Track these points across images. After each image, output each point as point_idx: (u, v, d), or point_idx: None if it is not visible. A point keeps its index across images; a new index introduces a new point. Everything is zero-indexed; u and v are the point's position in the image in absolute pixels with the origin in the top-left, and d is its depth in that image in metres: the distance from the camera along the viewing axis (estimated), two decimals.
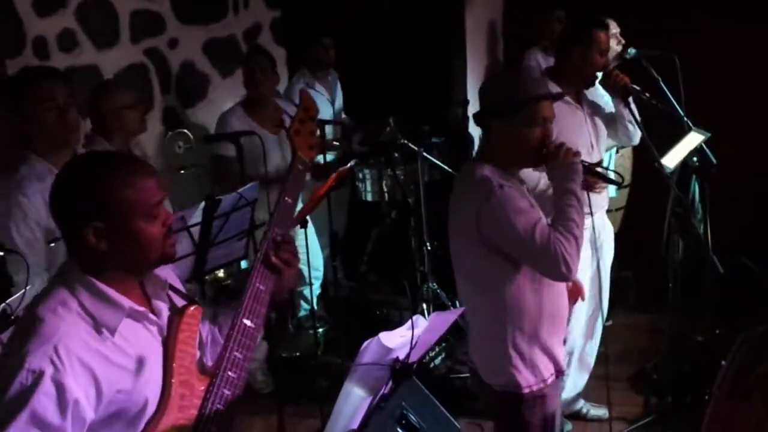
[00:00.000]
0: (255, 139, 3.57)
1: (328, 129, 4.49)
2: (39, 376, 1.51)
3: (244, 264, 3.54)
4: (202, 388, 1.71)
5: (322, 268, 4.66)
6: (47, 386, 1.52)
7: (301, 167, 2.01)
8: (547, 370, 2.55)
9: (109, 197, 1.62)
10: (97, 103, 3.27)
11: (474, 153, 5.11)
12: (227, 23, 4.86)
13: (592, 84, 3.48)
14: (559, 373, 2.61)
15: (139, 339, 1.68)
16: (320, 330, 4.50)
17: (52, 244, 2.57)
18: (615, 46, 4.01)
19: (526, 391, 2.50)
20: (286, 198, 1.93)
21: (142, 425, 1.65)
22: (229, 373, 1.72)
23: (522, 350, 2.48)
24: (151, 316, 1.72)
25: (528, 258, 2.39)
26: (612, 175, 2.99)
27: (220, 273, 3.73)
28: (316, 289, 4.64)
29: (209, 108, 4.64)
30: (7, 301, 2.28)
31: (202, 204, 2.81)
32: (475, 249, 2.41)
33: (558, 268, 2.31)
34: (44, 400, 1.51)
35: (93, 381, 1.57)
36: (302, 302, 4.67)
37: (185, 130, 4.04)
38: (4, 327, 2.18)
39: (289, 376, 4.25)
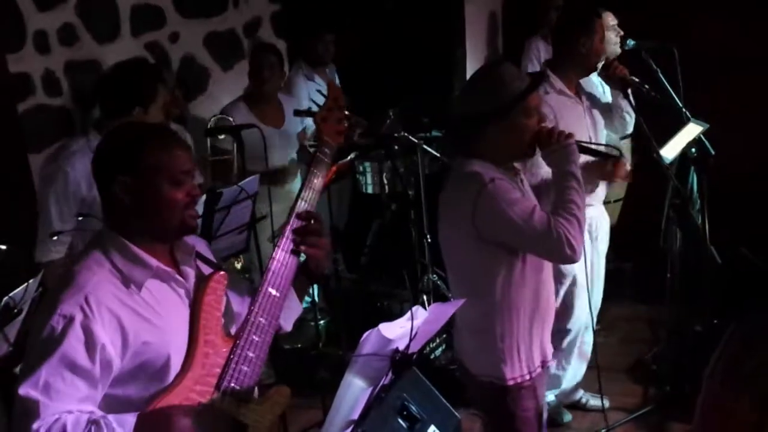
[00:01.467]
0: (255, 132, 3.60)
1: None
2: (69, 321, 1.63)
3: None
4: (225, 349, 1.79)
5: None
6: (77, 331, 1.63)
7: (327, 151, 2.08)
8: (533, 362, 2.56)
9: (141, 154, 1.74)
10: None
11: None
12: (227, 17, 4.87)
13: (593, 71, 3.50)
14: (545, 364, 2.62)
15: (167, 298, 1.79)
16: (321, 322, 4.51)
17: (80, 218, 2.65)
18: (614, 38, 4.01)
19: (511, 383, 2.51)
20: (314, 179, 2.00)
21: (166, 381, 1.74)
22: (254, 336, 1.80)
23: (509, 342, 2.49)
24: (178, 277, 1.82)
25: (531, 245, 2.39)
26: (605, 150, 2.98)
27: (237, 265, 3.75)
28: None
29: (210, 101, 4.65)
30: (10, 294, 2.31)
31: (204, 197, 2.83)
32: (468, 243, 2.41)
33: (563, 251, 2.31)
34: (75, 343, 1.62)
35: (119, 329, 1.68)
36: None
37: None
38: (7, 320, 2.21)
39: (291, 367, 4.27)
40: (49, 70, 3.77)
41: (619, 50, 3.95)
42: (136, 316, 1.71)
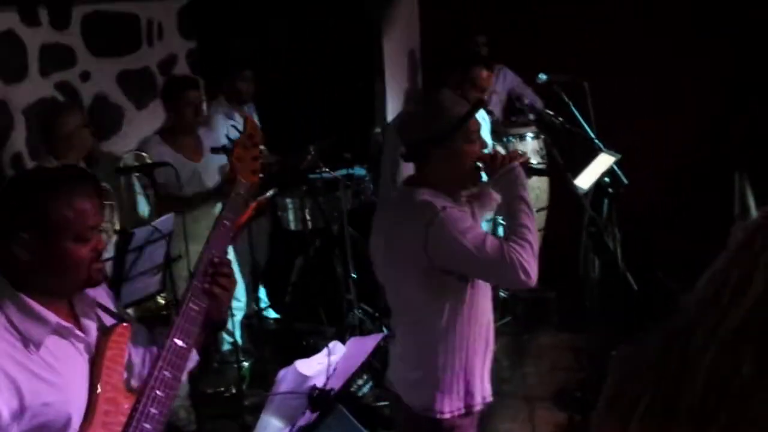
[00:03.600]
0: (169, 169, 3.52)
1: None
2: None
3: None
4: (127, 406, 1.70)
5: (244, 299, 4.59)
6: None
7: (242, 191, 2.02)
8: (474, 397, 2.52)
9: (43, 211, 1.64)
10: (54, 126, 3.44)
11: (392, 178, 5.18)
12: (141, 55, 4.79)
13: None
14: (484, 401, 2.57)
15: (66, 355, 1.70)
16: (245, 364, 4.41)
17: None
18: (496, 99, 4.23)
19: (448, 416, 2.47)
20: (225, 221, 1.92)
21: None
22: (157, 391, 1.69)
23: (450, 374, 2.46)
24: (78, 332, 1.73)
25: (484, 273, 2.38)
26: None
27: (160, 300, 3.63)
28: (239, 320, 4.56)
29: (125, 140, 4.54)
30: None
31: (115, 238, 2.74)
32: (417, 272, 2.38)
33: (517, 276, 2.27)
34: None
35: (16, 392, 1.59)
36: (224, 335, 4.58)
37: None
38: None
39: (214, 412, 4.14)
40: None
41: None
42: (34, 377, 1.63)
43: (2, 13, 3.88)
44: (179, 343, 1.75)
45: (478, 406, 2.53)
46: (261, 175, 2.15)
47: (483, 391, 2.56)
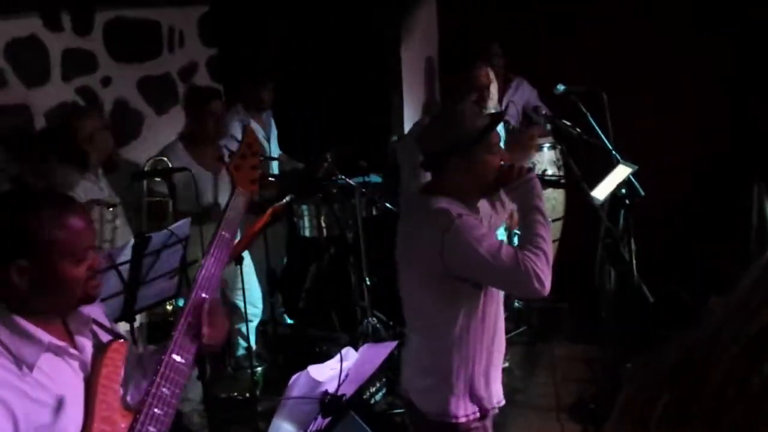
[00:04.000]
0: (189, 175, 3.55)
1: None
2: None
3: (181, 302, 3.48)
4: (124, 425, 1.67)
5: (260, 305, 4.61)
6: None
7: (242, 200, 2.02)
8: (489, 400, 2.55)
9: (38, 236, 1.62)
10: (75, 129, 3.47)
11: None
12: (162, 61, 4.83)
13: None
14: (498, 406, 2.61)
15: (61, 375, 1.67)
16: (258, 369, 4.42)
17: None
18: (495, 93, 4.22)
19: (463, 420, 2.49)
20: (223, 232, 1.92)
21: None
22: (155, 409, 1.66)
23: (464, 379, 2.49)
24: (72, 351, 1.70)
25: (498, 281, 2.40)
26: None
27: (168, 306, 3.65)
28: (254, 326, 4.58)
29: (144, 146, 4.58)
30: None
31: (132, 241, 2.76)
32: (432, 279, 2.41)
33: (531, 285, 2.30)
34: None
35: (10, 416, 1.55)
36: (240, 340, 4.60)
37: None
38: None
39: (227, 417, 4.15)
40: None
41: (496, 95, 4.18)
42: (29, 401, 1.59)
43: (25, 19, 3.94)
44: (177, 359, 1.72)
45: (492, 410, 2.56)
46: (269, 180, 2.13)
47: (496, 394, 2.59)
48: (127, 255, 2.75)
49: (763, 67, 4.89)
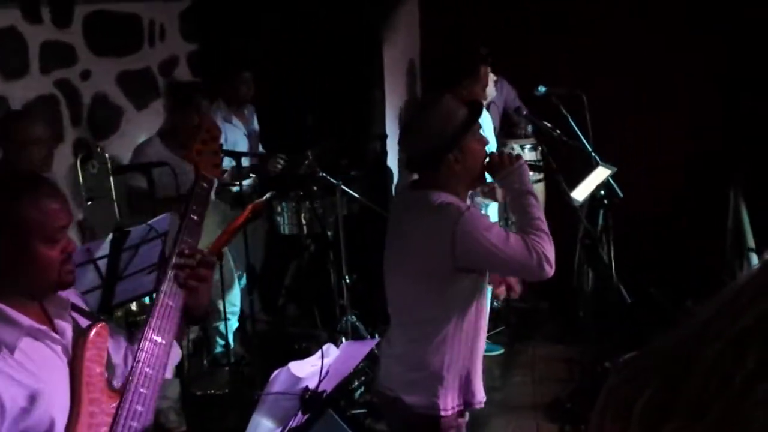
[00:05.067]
0: (168, 169, 3.52)
1: (245, 161, 4.45)
2: None
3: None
4: (113, 405, 1.69)
5: (239, 303, 4.59)
6: None
7: (206, 185, 2.03)
8: (473, 398, 2.57)
9: (9, 214, 1.62)
10: (8, 132, 3.29)
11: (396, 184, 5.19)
12: (142, 55, 4.80)
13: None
14: (479, 404, 2.62)
15: (44, 358, 1.67)
16: (236, 366, 4.41)
17: None
18: (492, 89, 4.22)
19: (449, 413, 2.51)
20: (192, 216, 1.93)
21: None
22: (141, 389, 1.70)
23: (451, 373, 2.51)
24: (53, 334, 1.70)
25: (510, 268, 2.43)
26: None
27: (133, 306, 3.61)
28: (233, 324, 4.56)
29: (123, 140, 4.54)
30: None
31: (110, 236, 2.73)
32: (432, 276, 2.42)
33: (541, 267, 2.34)
34: None
35: None
36: (218, 338, 4.57)
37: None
38: None
39: (203, 414, 4.13)
40: None
41: (494, 93, 4.14)
42: (12, 382, 1.58)
43: (4, 10, 3.89)
44: (157, 338, 1.75)
45: (476, 405, 2.59)
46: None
47: (480, 391, 2.61)
48: (105, 249, 2.72)
49: (755, 65, 4.94)
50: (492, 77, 4.18)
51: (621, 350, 4.02)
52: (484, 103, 3.70)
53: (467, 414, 2.60)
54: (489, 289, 2.62)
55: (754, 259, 3.75)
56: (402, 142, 2.61)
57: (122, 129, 4.65)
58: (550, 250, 2.36)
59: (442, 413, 2.48)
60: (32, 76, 4.05)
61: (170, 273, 1.83)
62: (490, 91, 3.99)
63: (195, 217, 1.94)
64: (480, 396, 2.59)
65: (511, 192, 2.51)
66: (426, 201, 2.43)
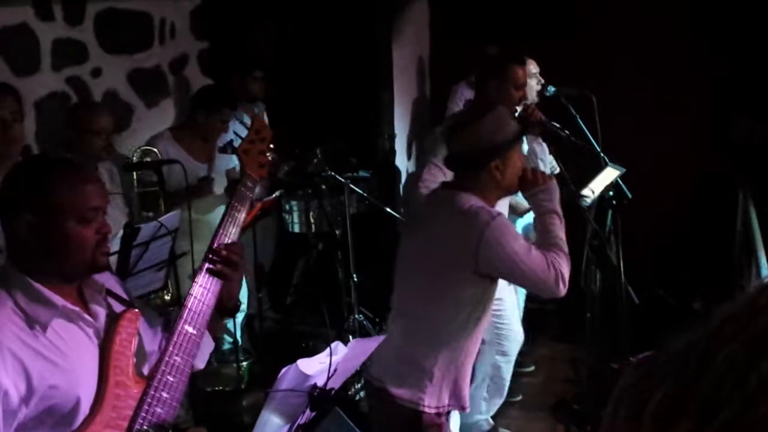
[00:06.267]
0: (179, 166, 3.54)
1: None
2: None
3: None
4: (137, 391, 1.72)
5: (245, 300, 4.60)
6: None
7: (250, 184, 2.07)
8: (458, 399, 2.59)
9: (45, 191, 1.66)
10: (77, 120, 3.47)
11: (402, 186, 5.18)
12: (153, 53, 4.81)
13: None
14: (462, 408, 2.66)
15: (75, 339, 1.70)
16: (244, 363, 4.42)
17: None
18: (535, 85, 4.16)
19: (432, 410, 2.53)
20: (236, 207, 1.98)
21: (74, 425, 1.66)
22: (168, 377, 1.73)
23: (442, 373, 2.53)
24: (87, 317, 1.74)
25: (528, 280, 2.46)
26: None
27: (167, 296, 3.62)
28: (240, 321, 4.57)
29: (133, 138, 4.56)
30: None
31: (121, 232, 2.76)
32: (456, 275, 2.45)
33: (558, 285, 2.39)
34: None
35: (24, 373, 1.59)
36: (225, 335, 4.59)
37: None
38: None
39: (211, 411, 4.15)
40: None
41: (536, 98, 4.09)
42: (42, 359, 1.62)
43: (16, 7, 3.91)
44: (189, 329, 1.78)
45: (461, 409, 2.63)
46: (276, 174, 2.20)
47: (466, 398, 2.64)
48: (116, 246, 2.74)
49: (756, 71, 4.93)
50: (537, 76, 4.17)
51: (628, 351, 4.02)
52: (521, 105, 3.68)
53: (450, 415, 2.62)
54: (521, 291, 2.68)
55: (763, 260, 3.74)
56: (450, 139, 2.66)
57: (133, 126, 4.67)
58: (566, 270, 2.40)
59: (426, 409, 2.51)
60: (44, 73, 4.07)
61: (205, 265, 1.86)
62: (532, 88, 3.96)
63: (237, 214, 1.97)
64: (465, 402, 2.61)
65: (538, 209, 2.55)
66: (458, 202, 2.47)
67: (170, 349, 1.75)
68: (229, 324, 4.47)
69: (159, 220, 2.89)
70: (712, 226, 4.93)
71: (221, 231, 1.93)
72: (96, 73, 4.40)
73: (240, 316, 4.58)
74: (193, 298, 1.83)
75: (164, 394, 1.71)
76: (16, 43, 3.90)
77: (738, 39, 4.96)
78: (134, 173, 3.72)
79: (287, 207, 4.65)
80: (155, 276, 3.03)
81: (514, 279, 2.50)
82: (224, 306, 1.93)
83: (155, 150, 3.89)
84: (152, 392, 1.71)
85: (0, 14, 3.80)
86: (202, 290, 1.84)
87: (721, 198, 4.83)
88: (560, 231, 2.48)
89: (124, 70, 4.60)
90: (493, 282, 2.50)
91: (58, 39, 4.14)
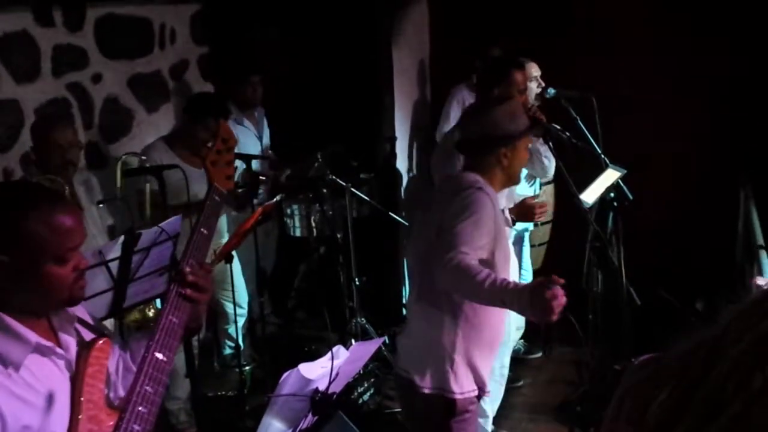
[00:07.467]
0: (178, 172, 3.54)
1: (255, 164, 4.47)
2: None
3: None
4: (111, 423, 1.66)
5: (246, 305, 4.60)
6: None
7: (218, 198, 2.00)
8: (479, 384, 2.62)
9: (21, 232, 1.58)
10: (48, 137, 3.44)
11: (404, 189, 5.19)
12: (153, 58, 4.82)
13: None
14: (484, 393, 2.69)
15: (47, 374, 1.65)
16: (246, 368, 4.42)
17: None
18: (535, 88, 4.16)
19: (460, 397, 2.54)
20: (201, 229, 1.90)
21: None
22: (140, 408, 1.65)
23: (465, 359, 2.56)
24: (59, 350, 1.69)
25: (438, 251, 2.36)
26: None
27: (150, 312, 3.61)
28: (242, 325, 4.57)
29: (133, 143, 4.57)
30: None
31: (122, 238, 2.75)
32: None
33: (440, 275, 2.33)
34: None
35: None
36: (227, 341, 4.59)
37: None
38: None
39: (214, 416, 4.15)
40: None
41: (536, 100, 4.10)
42: (15, 399, 1.57)
43: (16, 14, 3.92)
44: (159, 356, 1.70)
45: (486, 394, 2.67)
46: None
47: (486, 383, 2.67)
48: (117, 251, 2.73)
49: (758, 69, 4.93)
50: (538, 79, 4.20)
51: (631, 352, 4.02)
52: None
53: (480, 402, 2.66)
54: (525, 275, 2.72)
55: (765, 260, 3.74)
56: (464, 122, 2.80)
57: (133, 132, 4.67)
58: (450, 283, 2.31)
59: (458, 396, 2.54)
60: (44, 79, 4.08)
61: (174, 288, 1.79)
62: (532, 91, 3.99)
63: (204, 231, 1.90)
64: (487, 387, 2.66)
65: (499, 295, 2.25)
66: (464, 178, 2.60)
67: (141, 378, 1.67)
68: (231, 329, 4.48)
69: (160, 225, 2.88)
70: (713, 227, 4.92)
71: (188, 254, 1.84)
72: (96, 79, 4.41)
73: (242, 321, 4.58)
74: (162, 325, 1.75)
75: (135, 426, 1.63)
76: (17, 49, 3.91)
77: (738, 39, 4.95)
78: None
79: (288, 211, 4.65)
80: (158, 281, 3.01)
81: (435, 242, 2.41)
82: (188, 327, 1.85)
83: (143, 157, 3.91)
84: (124, 425, 1.62)
85: (0, 21, 3.81)
86: (170, 318, 1.76)
87: (723, 198, 4.83)
88: (482, 288, 2.18)
89: (125, 75, 4.61)
90: (497, 244, 2.49)
91: (58, 45, 4.15)
